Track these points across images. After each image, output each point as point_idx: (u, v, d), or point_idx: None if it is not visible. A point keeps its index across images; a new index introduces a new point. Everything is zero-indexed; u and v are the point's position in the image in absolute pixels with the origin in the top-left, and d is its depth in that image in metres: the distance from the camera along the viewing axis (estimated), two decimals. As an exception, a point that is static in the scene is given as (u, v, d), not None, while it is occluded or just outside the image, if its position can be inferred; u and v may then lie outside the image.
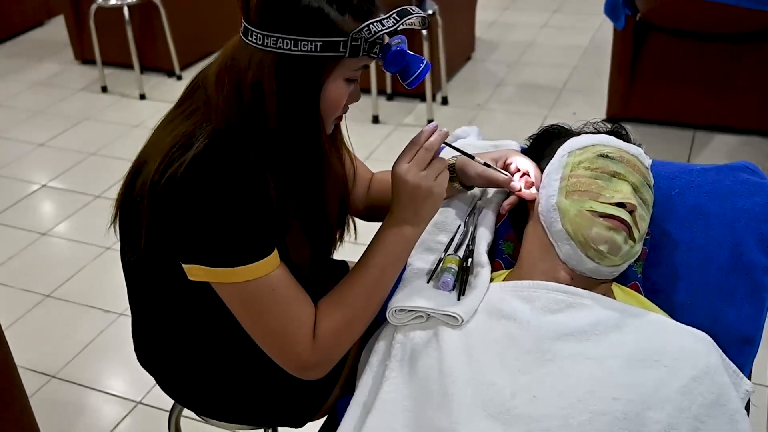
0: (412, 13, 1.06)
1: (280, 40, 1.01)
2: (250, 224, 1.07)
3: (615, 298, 1.18)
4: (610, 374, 1.05)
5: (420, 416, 1.10)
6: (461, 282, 1.20)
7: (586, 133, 1.27)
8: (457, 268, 1.23)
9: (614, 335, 1.09)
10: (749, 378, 1.19)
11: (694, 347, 1.09)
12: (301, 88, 1.05)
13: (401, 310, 1.18)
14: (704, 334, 1.12)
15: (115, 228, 1.22)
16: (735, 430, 1.04)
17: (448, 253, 1.27)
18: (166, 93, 4.16)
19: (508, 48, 4.45)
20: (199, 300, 1.19)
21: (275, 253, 1.10)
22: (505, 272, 1.26)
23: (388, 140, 3.54)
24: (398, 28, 1.06)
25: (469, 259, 1.24)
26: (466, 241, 1.28)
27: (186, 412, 1.47)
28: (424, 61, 1.12)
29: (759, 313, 1.20)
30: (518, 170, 1.25)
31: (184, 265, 1.11)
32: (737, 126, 3.36)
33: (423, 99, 3.76)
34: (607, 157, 1.17)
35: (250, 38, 1.04)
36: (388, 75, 3.81)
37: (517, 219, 1.29)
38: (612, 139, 1.21)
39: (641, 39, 3.34)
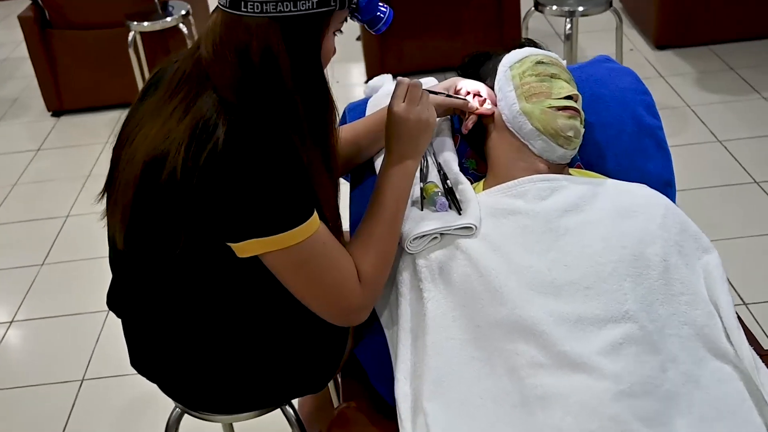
0: None
1: (280, 3, 1.06)
2: (295, 186, 1.11)
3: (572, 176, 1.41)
4: (610, 230, 1.28)
5: (474, 318, 1.24)
6: (453, 199, 1.35)
7: (511, 50, 1.47)
8: (442, 190, 1.37)
9: (596, 202, 1.32)
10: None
11: (651, 195, 1.36)
12: (308, 45, 1.11)
13: (417, 238, 1.29)
14: (647, 186, 1.40)
15: (118, 235, 1.17)
16: (700, 242, 1.33)
17: (425, 182, 1.40)
18: None
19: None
20: (223, 285, 1.20)
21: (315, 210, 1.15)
22: (478, 184, 1.43)
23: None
24: None
25: (447, 181, 1.38)
26: (434, 168, 1.41)
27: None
28: (387, 6, 1.23)
29: (669, 160, 1.51)
30: (468, 93, 1.42)
31: (234, 245, 1.11)
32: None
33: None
34: (542, 63, 1.39)
35: (244, 9, 1.07)
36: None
37: (473, 137, 1.45)
38: (537, 50, 1.43)
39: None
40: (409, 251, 1.30)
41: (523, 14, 3.70)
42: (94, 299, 2.56)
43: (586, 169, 1.48)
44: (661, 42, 3.79)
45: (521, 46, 1.47)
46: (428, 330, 1.25)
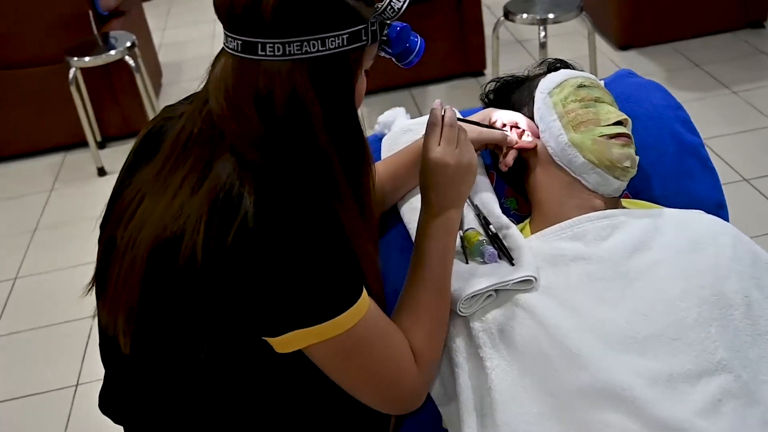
0: None
1: (306, 43, 0.89)
2: (342, 262, 0.94)
3: (626, 209, 1.26)
4: (684, 269, 1.13)
5: (548, 387, 1.07)
6: (501, 247, 1.19)
7: (542, 74, 1.31)
8: (487, 239, 1.20)
9: (661, 237, 1.17)
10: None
11: (714, 223, 1.23)
12: (341, 89, 0.94)
13: (469, 298, 1.13)
14: (703, 212, 1.26)
15: (122, 338, 0.97)
16: None
17: (464, 230, 1.23)
18: None
19: (195, 65, 4.30)
20: (257, 387, 1.01)
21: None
22: (523, 226, 1.27)
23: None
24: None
25: (490, 226, 1.22)
26: (470, 211, 1.25)
27: None
28: (418, 36, 1.06)
29: (716, 180, 1.38)
30: (504, 125, 1.26)
31: (273, 339, 0.93)
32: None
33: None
34: (584, 86, 1.24)
35: (262, 52, 0.89)
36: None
37: (513, 174, 1.29)
38: (574, 72, 1.28)
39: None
40: (461, 314, 1.14)
41: (486, 24, 3.59)
42: (58, 376, 2.31)
43: (633, 197, 1.34)
44: (623, 43, 3.73)
45: (552, 67, 1.32)
46: (497, 406, 1.08)
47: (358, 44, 0.93)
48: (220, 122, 0.93)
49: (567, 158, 1.20)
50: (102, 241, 1.02)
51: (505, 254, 1.18)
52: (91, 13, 3.29)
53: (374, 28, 0.94)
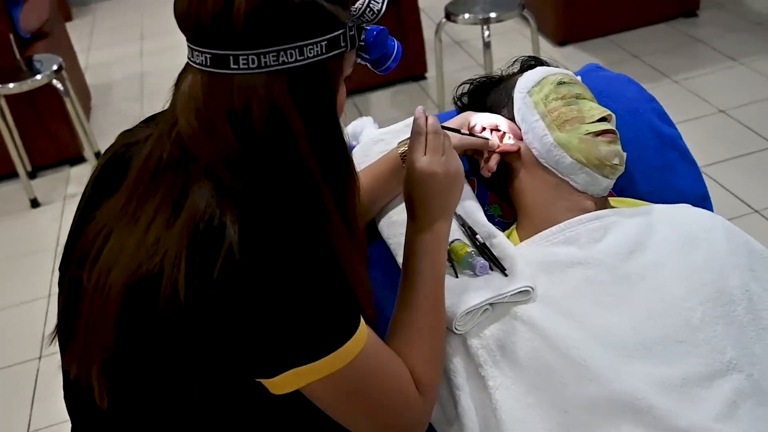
0: None
1: (283, 53, 0.80)
2: (337, 291, 0.85)
3: (615, 208, 1.21)
4: (684, 267, 1.09)
5: (557, 402, 1.01)
6: (492, 258, 1.12)
7: (517, 73, 1.25)
8: (475, 250, 1.13)
9: (655, 235, 1.13)
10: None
11: (703, 217, 1.18)
12: (322, 99, 0.86)
13: (466, 314, 1.06)
14: (690, 206, 1.22)
15: (96, 390, 0.86)
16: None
17: (450, 242, 1.16)
18: None
19: (125, 85, 4.13)
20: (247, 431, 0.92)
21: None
22: (509, 233, 1.20)
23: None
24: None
25: (477, 236, 1.15)
26: (456, 222, 1.18)
27: None
28: (395, 40, 0.98)
29: (697, 171, 1.35)
30: (483, 129, 1.19)
31: (268, 381, 0.84)
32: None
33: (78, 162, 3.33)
34: (564, 83, 1.19)
35: (235, 65, 0.80)
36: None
37: (495, 179, 1.22)
38: (552, 69, 1.22)
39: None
40: (457, 332, 1.06)
41: (424, 25, 3.55)
42: (5, 425, 2.15)
43: (618, 195, 1.29)
44: (561, 38, 3.73)
45: (527, 66, 1.27)
46: (503, 427, 1.01)
47: (338, 51, 0.85)
48: (193, 145, 0.83)
49: (554, 159, 1.15)
50: (64, 284, 0.91)
51: (497, 265, 1.11)
52: (12, 36, 3.11)
53: (352, 33, 0.87)
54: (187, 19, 0.82)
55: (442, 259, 1.03)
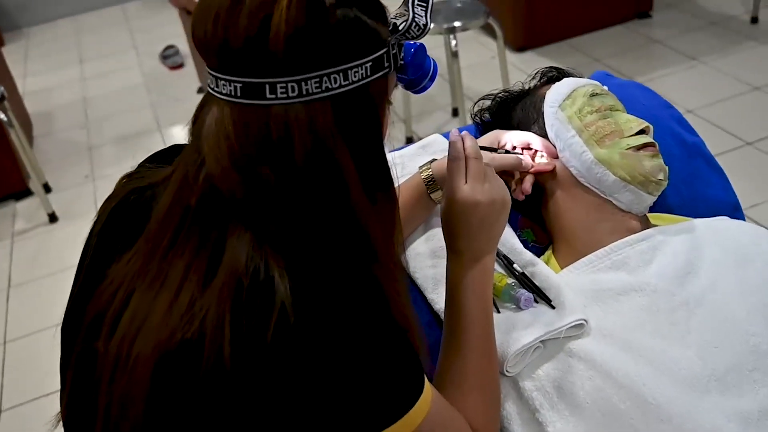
0: None
1: (326, 78, 0.70)
2: (400, 348, 0.75)
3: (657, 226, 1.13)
4: (739, 287, 1.01)
5: (625, 445, 0.92)
6: (534, 289, 1.02)
7: (541, 86, 1.16)
8: (515, 281, 1.04)
9: (705, 255, 1.05)
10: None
11: (747, 229, 1.11)
12: (369, 129, 0.75)
13: (518, 354, 0.96)
14: (728, 218, 1.15)
15: None
16: None
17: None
18: None
19: (68, 112, 3.91)
20: None
21: None
22: (545, 258, 1.11)
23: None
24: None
25: (514, 265, 1.05)
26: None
27: None
28: (431, 58, 0.88)
29: (725, 179, 1.28)
30: (514, 147, 1.09)
31: None
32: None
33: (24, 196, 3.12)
34: (597, 95, 1.10)
35: (272, 95, 0.69)
36: None
37: (528, 201, 1.13)
38: (580, 80, 1.14)
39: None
40: (507, 374, 0.96)
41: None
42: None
43: (651, 211, 1.21)
44: (520, 44, 3.69)
45: (550, 77, 1.17)
46: (569, 480, 0.91)
47: (382, 72, 0.74)
48: (226, 187, 0.71)
49: (595, 177, 1.06)
50: (72, 357, 0.78)
51: (541, 296, 1.01)
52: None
53: (394, 51, 0.76)
54: (210, 43, 0.70)
55: (489, 297, 0.93)
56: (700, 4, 3.91)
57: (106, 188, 3.14)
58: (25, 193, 3.20)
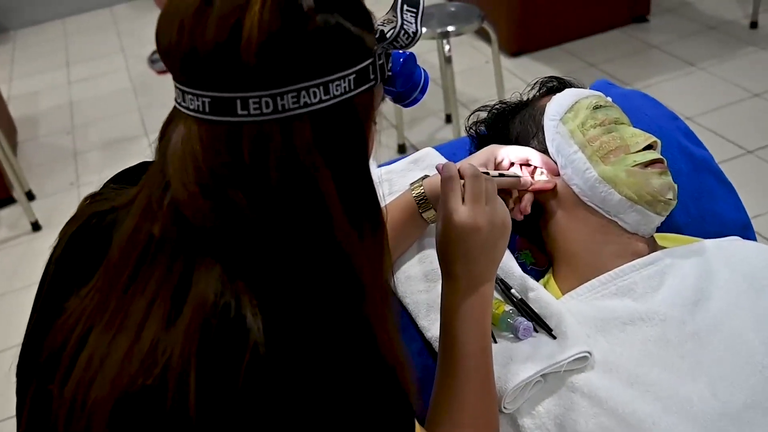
0: None
1: (304, 92, 0.62)
2: (387, 382, 0.68)
3: (663, 247, 1.06)
4: (753, 314, 0.94)
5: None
6: (534, 317, 0.95)
7: (540, 97, 1.09)
8: (513, 308, 0.96)
9: (716, 280, 0.98)
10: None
11: (760, 252, 1.05)
12: (353, 148, 0.68)
13: (516, 389, 0.88)
14: (739, 239, 1.08)
15: None
16: None
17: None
18: None
19: (54, 117, 3.83)
20: None
21: None
22: (546, 282, 1.04)
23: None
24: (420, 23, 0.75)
25: (512, 290, 0.98)
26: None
27: None
28: (421, 68, 0.81)
29: (736, 196, 1.21)
30: (512, 163, 1.02)
31: None
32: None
33: (6, 204, 3.03)
34: (600, 107, 1.03)
35: (243, 111, 0.62)
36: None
37: (527, 222, 1.05)
38: (583, 90, 1.07)
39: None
40: (505, 411, 0.89)
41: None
42: None
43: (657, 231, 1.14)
44: (515, 49, 3.62)
45: (549, 87, 1.10)
46: None
47: (367, 85, 0.67)
48: (193, 215, 0.63)
49: (599, 197, 0.98)
50: (26, 398, 0.70)
51: (542, 325, 0.94)
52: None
53: (381, 61, 0.69)
54: (174, 51, 0.62)
55: (487, 326, 0.86)
56: (698, 9, 3.85)
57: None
58: (7, 201, 3.11)
